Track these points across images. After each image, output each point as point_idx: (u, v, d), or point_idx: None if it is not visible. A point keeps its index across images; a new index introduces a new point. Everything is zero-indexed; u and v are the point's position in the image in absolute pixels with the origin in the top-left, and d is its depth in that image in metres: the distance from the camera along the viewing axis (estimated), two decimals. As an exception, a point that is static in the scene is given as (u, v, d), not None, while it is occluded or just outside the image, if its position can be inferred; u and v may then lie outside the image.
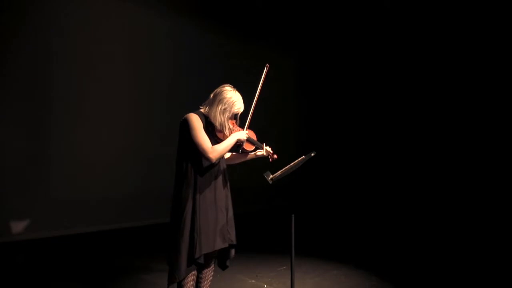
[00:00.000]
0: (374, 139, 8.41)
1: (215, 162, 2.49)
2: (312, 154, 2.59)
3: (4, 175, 4.98)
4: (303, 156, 2.60)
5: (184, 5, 6.81)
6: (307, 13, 8.32)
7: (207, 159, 2.43)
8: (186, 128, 2.45)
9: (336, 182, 8.61)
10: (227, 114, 2.52)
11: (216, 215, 2.50)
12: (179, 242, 2.41)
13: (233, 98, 2.53)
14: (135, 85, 6.20)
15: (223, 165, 2.63)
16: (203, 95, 2.63)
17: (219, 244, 2.50)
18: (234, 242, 2.63)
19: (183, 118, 2.49)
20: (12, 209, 5.02)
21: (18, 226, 5.07)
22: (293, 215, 2.66)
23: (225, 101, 2.51)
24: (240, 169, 2.87)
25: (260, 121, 3.01)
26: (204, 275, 2.62)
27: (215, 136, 2.53)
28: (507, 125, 6.70)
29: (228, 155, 2.73)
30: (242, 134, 2.57)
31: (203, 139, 2.42)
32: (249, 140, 2.63)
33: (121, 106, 6.04)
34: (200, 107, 2.57)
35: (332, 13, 8.36)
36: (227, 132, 2.53)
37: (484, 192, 6.74)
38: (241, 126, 2.66)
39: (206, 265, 2.59)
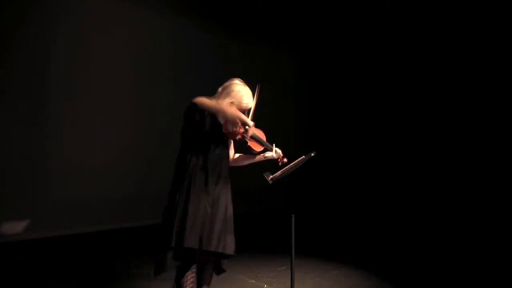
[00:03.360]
0: (374, 139, 8.41)
1: (217, 159, 2.42)
2: (312, 154, 2.59)
3: (4, 175, 4.97)
4: (303, 156, 2.60)
5: (184, 5, 6.80)
6: (307, 13, 8.31)
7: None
8: (194, 111, 2.35)
9: (336, 182, 8.60)
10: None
11: (208, 214, 2.35)
12: (162, 230, 2.32)
13: (241, 92, 2.46)
14: (135, 85, 6.20)
15: (225, 165, 2.54)
16: (203, 95, 2.59)
17: (204, 245, 2.30)
18: (226, 252, 2.39)
19: (190, 102, 2.39)
20: (12, 209, 5.01)
21: (18, 226, 5.07)
22: (293, 215, 2.66)
23: (233, 94, 2.44)
24: (240, 169, 2.86)
25: (260, 121, 2.99)
26: (204, 276, 2.57)
27: (220, 130, 2.44)
28: (507, 125, 6.70)
29: (231, 153, 2.66)
30: (250, 121, 2.45)
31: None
32: (257, 140, 2.57)
33: (121, 106, 6.03)
34: None
35: (332, 13, 8.35)
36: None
37: (483, 192, 6.73)
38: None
39: (201, 264, 2.49)
